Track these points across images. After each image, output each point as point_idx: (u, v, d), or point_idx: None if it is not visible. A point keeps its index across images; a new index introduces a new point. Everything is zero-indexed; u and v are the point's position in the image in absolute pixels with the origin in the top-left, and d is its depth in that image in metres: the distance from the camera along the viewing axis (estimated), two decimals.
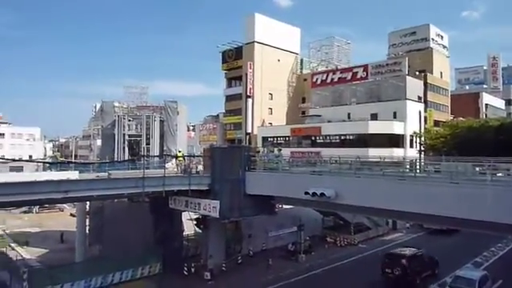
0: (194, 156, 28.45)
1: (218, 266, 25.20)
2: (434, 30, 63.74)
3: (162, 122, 33.83)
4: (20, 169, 29.00)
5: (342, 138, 49.15)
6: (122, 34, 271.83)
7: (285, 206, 29.37)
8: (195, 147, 60.80)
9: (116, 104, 37.38)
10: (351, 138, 48.29)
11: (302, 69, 69.85)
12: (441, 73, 62.58)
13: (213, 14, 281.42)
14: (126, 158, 30.56)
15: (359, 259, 29.30)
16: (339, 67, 64.39)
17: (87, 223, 29.62)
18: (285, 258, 28.83)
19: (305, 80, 67.07)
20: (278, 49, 64.71)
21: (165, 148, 32.42)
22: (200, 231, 27.89)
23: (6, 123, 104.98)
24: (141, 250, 25.29)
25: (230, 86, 67.89)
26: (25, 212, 47.25)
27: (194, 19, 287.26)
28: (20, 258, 28.83)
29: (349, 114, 53.80)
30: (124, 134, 32.49)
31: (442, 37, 65.56)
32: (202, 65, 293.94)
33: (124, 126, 32.83)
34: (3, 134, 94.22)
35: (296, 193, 19.67)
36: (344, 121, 52.22)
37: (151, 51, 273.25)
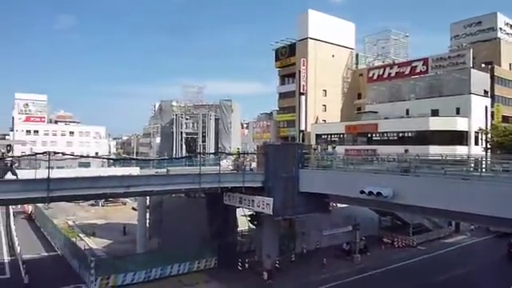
0: (247, 153, 28.81)
1: (271, 263, 25.35)
2: (501, 19, 59.12)
3: (217, 120, 34.58)
4: (87, 164, 31.04)
5: (400, 135, 47.25)
6: (175, 37, 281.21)
7: (339, 205, 28.89)
8: (248, 145, 61.45)
9: (174, 103, 38.72)
10: (410, 135, 46.29)
11: (357, 64, 68.03)
12: (510, 64, 57.92)
13: (267, 12, 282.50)
14: (184, 154, 31.61)
15: (418, 262, 28.10)
16: (396, 61, 61.87)
17: (147, 217, 31.09)
18: (339, 257, 28.37)
19: (360, 75, 65.25)
20: (332, 44, 63.49)
21: (219, 145, 33.10)
22: (254, 227, 28.20)
23: (75, 122, 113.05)
24: (197, 244, 26.11)
25: (283, 83, 67.77)
26: (92, 205, 50.66)
27: (248, 18, 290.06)
28: (87, 247, 30.97)
29: (407, 110, 51.52)
30: (181, 132, 33.67)
31: (511, 26, 60.66)
32: (256, 64, 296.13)
33: (181, 124, 34.00)
34: (73, 133, 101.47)
35: (351, 191, 19.26)
36: (402, 117, 50.09)
37: (205, 52, 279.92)
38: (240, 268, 25.50)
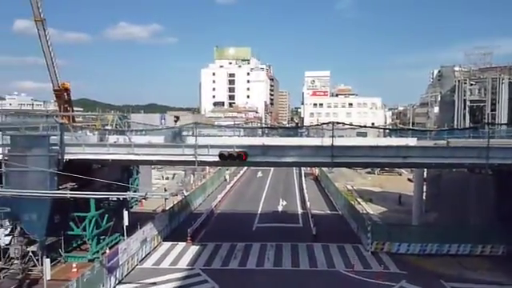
0: None
1: None
2: None
3: (511, 83, 29.25)
4: (364, 134, 32.51)
5: None
6: None
7: None
8: None
9: (456, 68, 35.11)
10: None
11: None
12: None
13: None
14: (467, 125, 28.58)
15: None
16: None
17: (424, 189, 30.15)
18: None
19: None
20: None
21: None
22: None
23: (354, 95, 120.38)
24: (481, 226, 23.50)
25: None
26: (368, 173, 53.55)
27: None
28: (364, 212, 33.08)
29: None
30: (465, 100, 30.44)
31: None
32: None
33: (465, 91, 30.67)
34: (351, 104, 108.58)
35: None
36: None
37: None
38: None
